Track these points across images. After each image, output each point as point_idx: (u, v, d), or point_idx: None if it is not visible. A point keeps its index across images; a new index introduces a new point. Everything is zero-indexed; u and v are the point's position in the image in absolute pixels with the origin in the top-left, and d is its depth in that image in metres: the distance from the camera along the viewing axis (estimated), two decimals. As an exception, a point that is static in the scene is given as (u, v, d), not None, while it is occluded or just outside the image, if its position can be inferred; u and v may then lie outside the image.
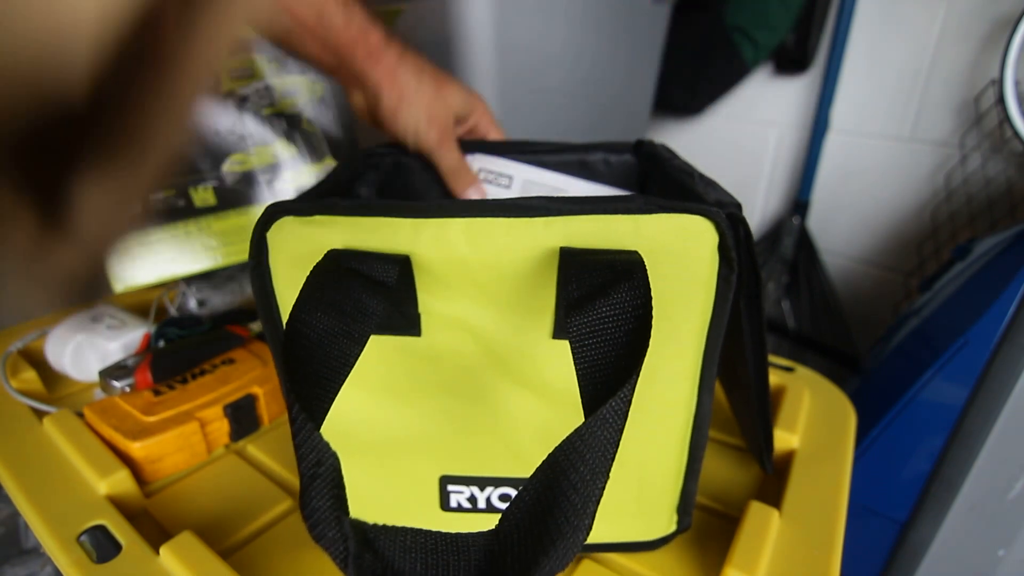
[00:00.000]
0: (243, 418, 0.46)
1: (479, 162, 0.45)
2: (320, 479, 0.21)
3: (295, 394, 0.22)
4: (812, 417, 0.48)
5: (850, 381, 0.84)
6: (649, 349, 0.23)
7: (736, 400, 0.41)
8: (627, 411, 0.20)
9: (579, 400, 0.22)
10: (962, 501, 0.70)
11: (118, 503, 0.37)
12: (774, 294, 1.21)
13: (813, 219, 1.16)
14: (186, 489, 0.42)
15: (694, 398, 0.32)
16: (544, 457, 0.20)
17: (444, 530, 0.20)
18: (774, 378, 0.52)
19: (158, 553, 0.33)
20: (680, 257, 0.28)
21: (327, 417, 0.23)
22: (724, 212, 0.28)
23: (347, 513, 0.20)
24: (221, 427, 0.45)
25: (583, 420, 0.20)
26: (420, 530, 0.20)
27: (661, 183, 0.39)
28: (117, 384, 0.44)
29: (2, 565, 0.60)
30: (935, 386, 0.71)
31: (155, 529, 0.38)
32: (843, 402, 0.51)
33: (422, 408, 0.32)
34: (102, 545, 0.34)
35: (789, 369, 0.54)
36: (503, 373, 0.31)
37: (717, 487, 0.43)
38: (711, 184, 0.33)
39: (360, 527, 0.20)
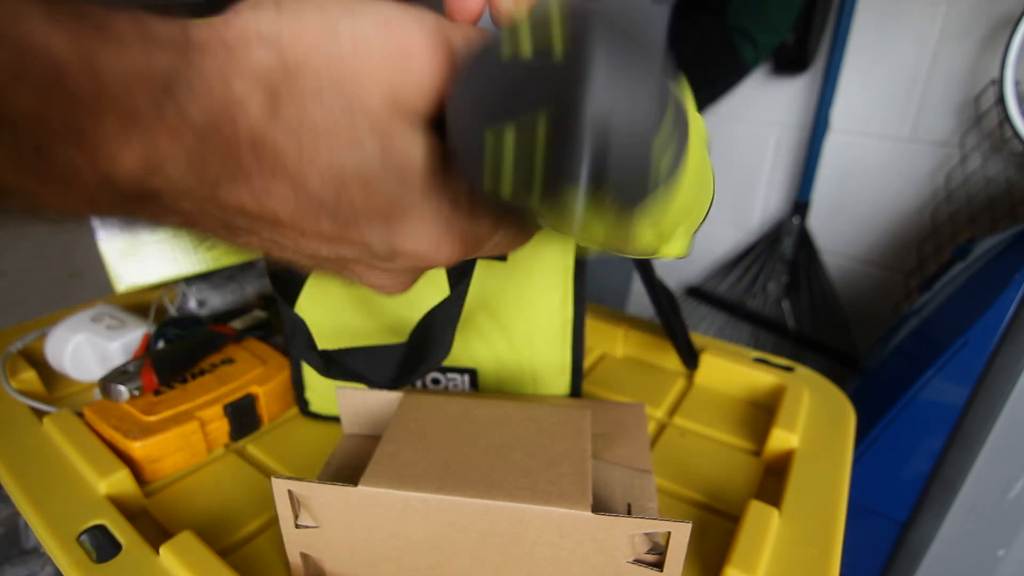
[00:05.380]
0: (243, 418, 0.46)
1: None
2: (298, 333, 0.36)
3: (276, 287, 0.37)
4: (812, 417, 0.48)
5: (850, 381, 0.84)
6: (527, 266, 0.43)
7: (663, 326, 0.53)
8: (465, 292, 0.34)
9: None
10: (962, 501, 0.70)
11: (118, 503, 0.37)
12: (774, 294, 1.21)
13: (813, 219, 1.16)
14: (186, 489, 0.42)
15: (569, 305, 0.44)
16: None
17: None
18: (774, 378, 0.52)
19: (158, 553, 0.33)
20: None
21: (318, 319, 0.43)
22: None
23: (316, 347, 0.36)
24: (221, 427, 0.45)
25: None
26: (363, 347, 0.37)
27: None
28: (123, 388, 0.44)
29: (2, 565, 0.60)
30: (935, 386, 0.71)
31: (155, 529, 0.38)
32: (843, 402, 0.51)
33: (372, 305, 0.46)
34: (102, 545, 0.34)
35: (789, 369, 0.54)
36: (425, 280, 0.43)
37: (717, 487, 0.43)
38: None
39: (326, 352, 0.36)
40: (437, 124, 0.20)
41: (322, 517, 0.31)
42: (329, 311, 0.45)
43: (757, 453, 0.47)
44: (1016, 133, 0.83)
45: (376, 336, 0.46)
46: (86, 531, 0.35)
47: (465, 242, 0.23)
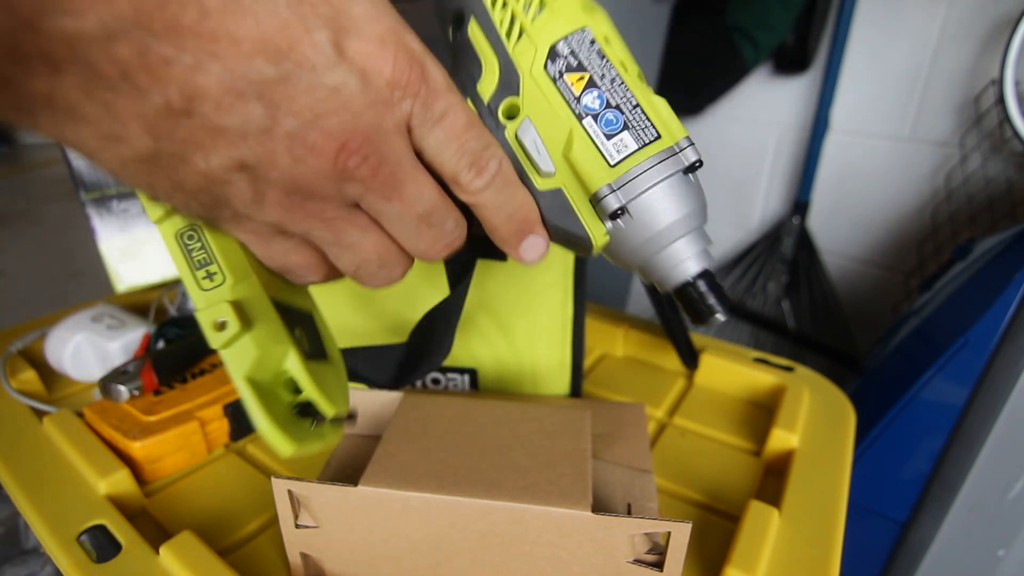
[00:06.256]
0: (243, 418, 0.46)
1: None
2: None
3: None
4: (812, 417, 0.48)
5: (850, 381, 0.84)
6: (527, 266, 0.38)
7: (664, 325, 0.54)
8: (465, 292, 0.33)
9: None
10: (962, 501, 0.70)
11: (118, 503, 0.37)
12: (774, 294, 1.21)
13: (813, 219, 1.16)
14: (186, 489, 0.42)
15: (569, 305, 0.44)
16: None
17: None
18: (774, 378, 0.52)
19: (158, 553, 0.33)
20: None
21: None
22: None
23: None
24: (221, 427, 0.45)
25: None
26: (363, 347, 0.37)
27: None
28: (123, 388, 0.44)
29: (2, 565, 0.60)
30: (935, 386, 0.71)
31: (155, 529, 0.38)
32: (843, 402, 0.51)
33: (374, 305, 0.46)
34: (102, 545, 0.34)
35: (789, 369, 0.54)
36: (425, 280, 0.44)
37: (717, 487, 0.43)
38: None
39: None
40: None
41: (322, 517, 0.31)
42: (329, 311, 0.45)
43: (757, 453, 0.47)
44: (1016, 133, 0.83)
45: (376, 336, 0.46)
46: (86, 531, 0.35)
47: (413, 60, 0.19)
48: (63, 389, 0.52)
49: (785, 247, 1.17)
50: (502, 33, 0.23)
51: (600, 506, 0.34)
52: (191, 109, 0.16)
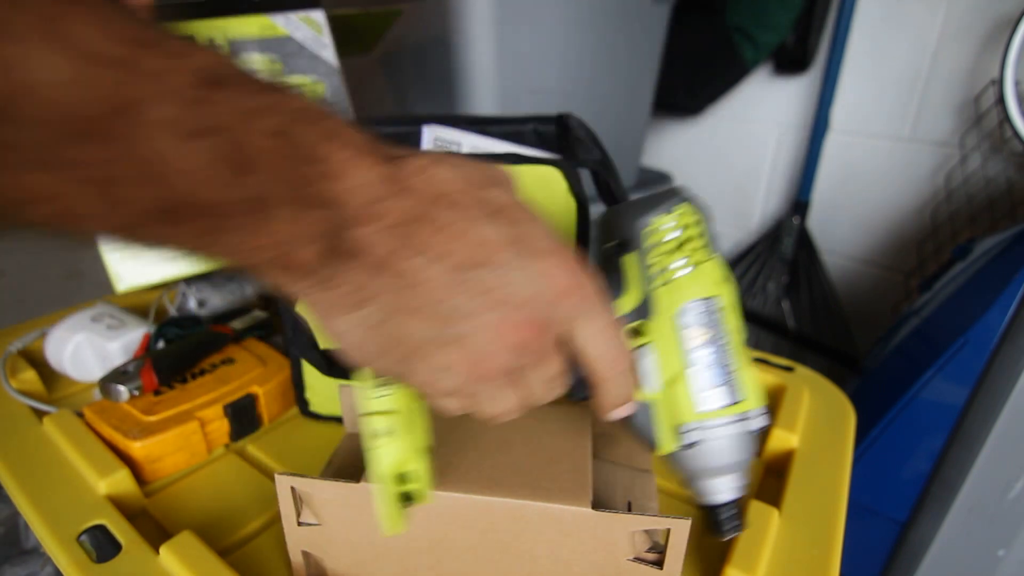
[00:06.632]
0: (243, 418, 0.46)
1: (435, 132, 0.51)
2: (299, 332, 0.42)
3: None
4: (812, 417, 0.48)
5: (850, 381, 0.84)
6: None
7: None
8: None
9: None
10: (962, 501, 0.70)
11: (118, 503, 0.37)
12: (774, 294, 1.21)
13: (813, 219, 1.16)
14: (186, 489, 0.42)
15: None
16: None
17: None
18: (774, 378, 0.52)
19: (158, 552, 0.33)
20: (544, 193, 0.42)
21: None
22: (585, 166, 0.44)
23: (318, 346, 0.38)
24: (221, 427, 0.45)
25: None
26: None
27: (569, 147, 0.53)
28: (123, 388, 0.44)
29: (2, 565, 0.60)
30: (935, 386, 0.71)
31: (155, 529, 0.38)
32: (843, 402, 0.51)
33: None
34: (102, 545, 0.34)
35: (789, 369, 0.54)
36: None
37: (717, 487, 0.43)
38: (592, 148, 0.48)
39: (328, 351, 0.37)
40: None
41: (324, 514, 0.31)
42: None
43: (757, 453, 0.47)
44: (1016, 133, 0.83)
45: None
46: (86, 531, 0.35)
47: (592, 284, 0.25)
48: (63, 389, 0.52)
49: (785, 247, 1.17)
50: (653, 274, 0.29)
51: (600, 505, 0.34)
52: (419, 291, 0.22)
